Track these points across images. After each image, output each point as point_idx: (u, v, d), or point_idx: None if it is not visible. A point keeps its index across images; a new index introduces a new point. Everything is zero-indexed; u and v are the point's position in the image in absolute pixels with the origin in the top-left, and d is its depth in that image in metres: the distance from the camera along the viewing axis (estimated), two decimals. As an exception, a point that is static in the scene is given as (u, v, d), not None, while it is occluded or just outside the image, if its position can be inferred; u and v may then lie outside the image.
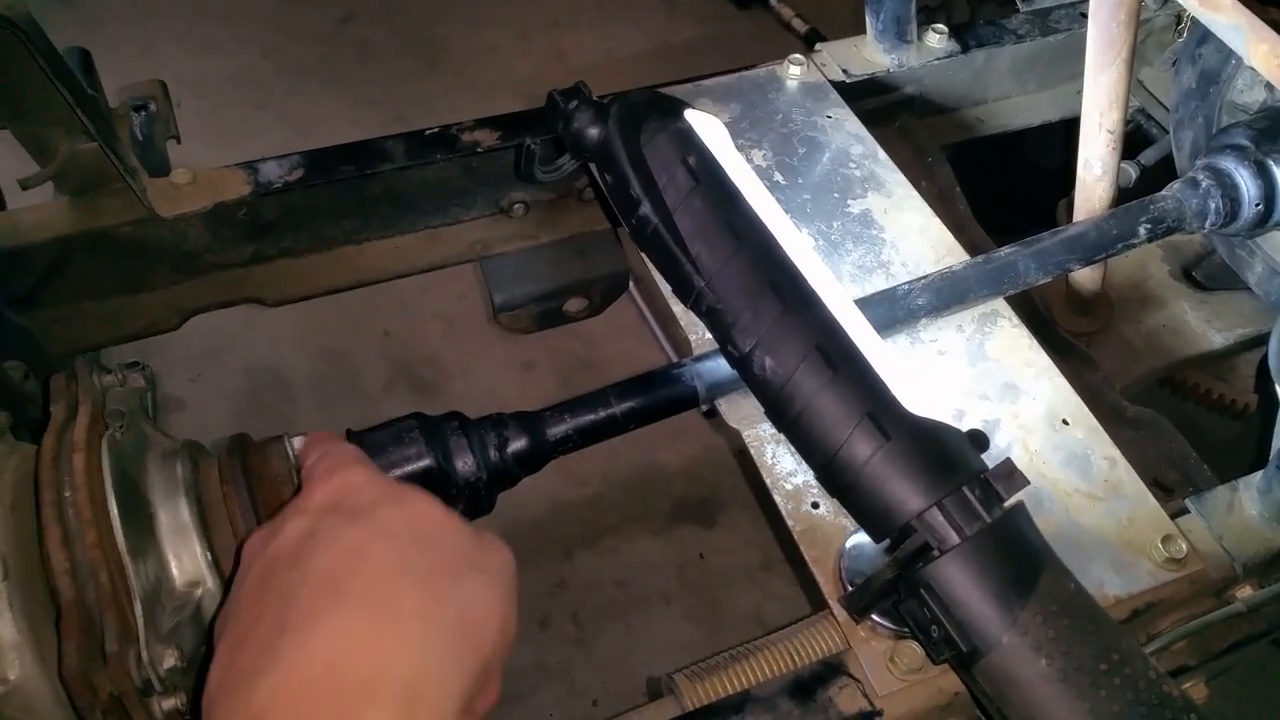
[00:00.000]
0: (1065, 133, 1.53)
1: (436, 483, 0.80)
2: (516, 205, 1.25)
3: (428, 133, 1.16)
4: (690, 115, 0.84)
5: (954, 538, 0.66)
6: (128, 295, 1.11)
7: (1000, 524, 0.67)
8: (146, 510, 0.75)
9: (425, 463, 0.80)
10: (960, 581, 0.66)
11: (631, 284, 1.38)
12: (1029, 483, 0.69)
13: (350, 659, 0.50)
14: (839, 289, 0.77)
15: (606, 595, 1.67)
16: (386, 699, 0.49)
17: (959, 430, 0.72)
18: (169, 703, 0.66)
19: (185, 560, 0.73)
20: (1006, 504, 0.69)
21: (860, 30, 1.32)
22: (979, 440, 0.73)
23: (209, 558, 0.74)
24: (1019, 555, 0.68)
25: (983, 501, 0.67)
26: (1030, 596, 0.66)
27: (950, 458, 0.69)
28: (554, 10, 2.88)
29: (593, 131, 0.84)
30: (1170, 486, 1.01)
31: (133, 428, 0.79)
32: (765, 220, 0.79)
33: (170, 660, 0.67)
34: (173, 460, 0.78)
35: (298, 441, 0.83)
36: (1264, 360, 1.29)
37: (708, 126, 0.83)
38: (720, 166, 0.81)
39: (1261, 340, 1.21)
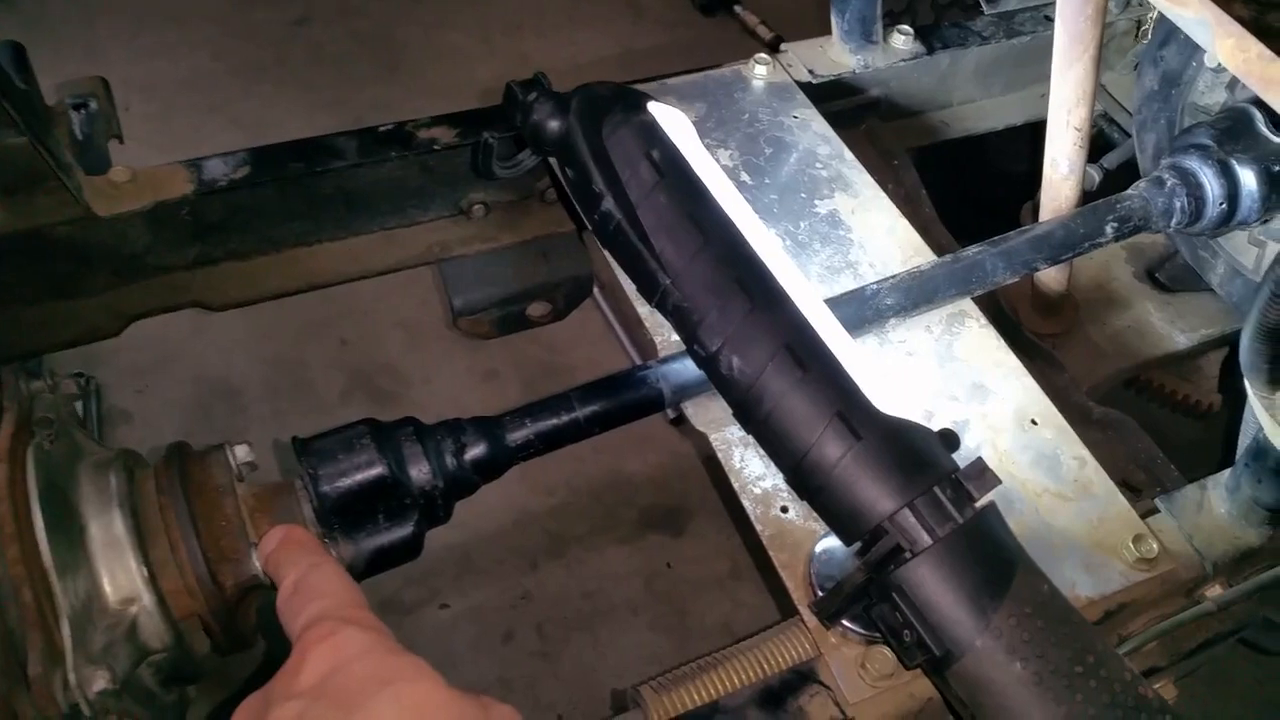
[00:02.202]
0: (1029, 136, 1.53)
1: (390, 491, 0.77)
2: (476, 206, 1.21)
3: (381, 129, 1.13)
4: (654, 108, 0.81)
5: (926, 539, 0.64)
6: (65, 299, 1.06)
7: (972, 525, 0.66)
8: (77, 523, 0.71)
9: (377, 471, 0.77)
10: (933, 584, 0.64)
11: (596, 288, 1.35)
12: (1000, 482, 0.67)
13: None
14: (808, 286, 0.75)
15: (573, 607, 1.63)
16: None
17: (930, 429, 0.70)
18: (99, 728, 0.62)
19: (119, 576, 0.70)
20: (978, 504, 0.67)
21: (825, 35, 1.31)
22: (950, 439, 0.71)
23: (145, 573, 0.70)
24: (991, 556, 0.66)
25: (954, 502, 0.66)
26: (1004, 598, 0.64)
27: (921, 458, 0.67)
28: (517, 14, 2.85)
29: (553, 124, 0.82)
30: (1138, 487, 1.00)
31: (63, 437, 0.75)
32: (732, 216, 0.77)
33: (101, 682, 0.63)
34: (106, 471, 0.74)
35: (240, 450, 0.80)
36: (1228, 360, 1.29)
37: (672, 120, 0.81)
38: (685, 160, 0.78)
39: (1224, 341, 1.21)
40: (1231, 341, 1.22)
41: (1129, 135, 1.41)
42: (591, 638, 1.60)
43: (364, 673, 0.53)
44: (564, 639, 1.59)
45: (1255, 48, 0.72)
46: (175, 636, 0.72)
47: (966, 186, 1.59)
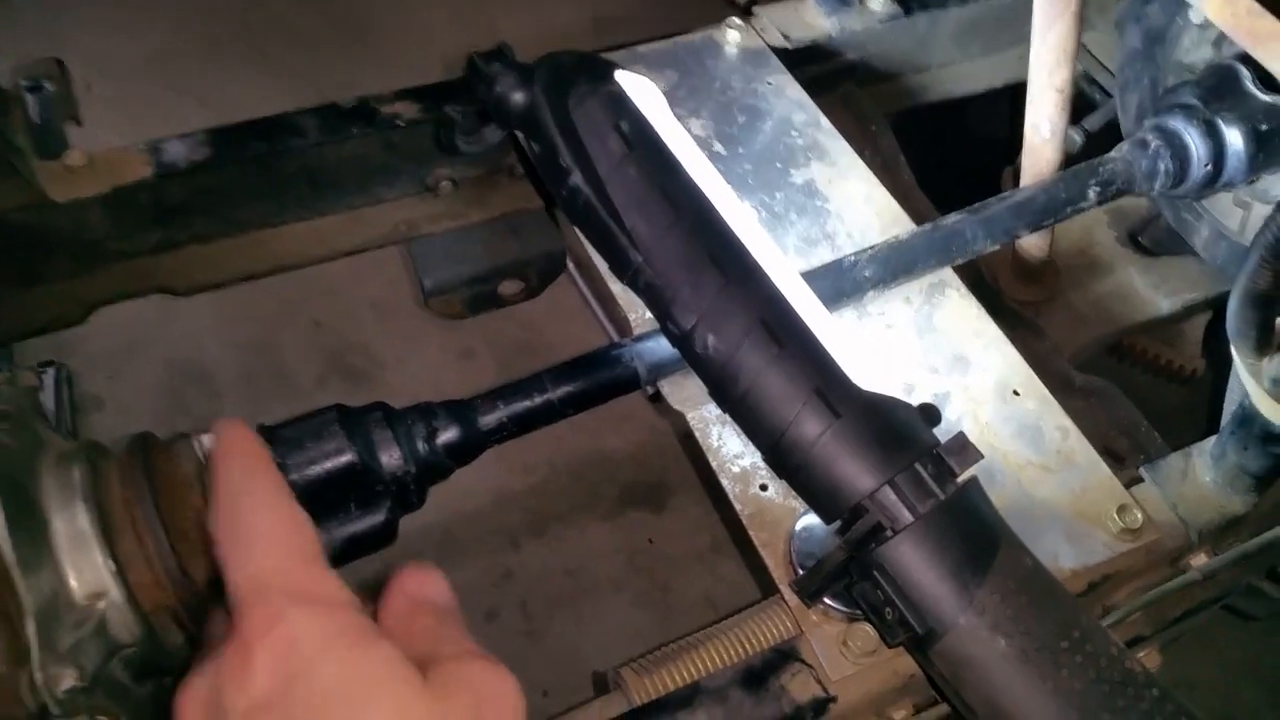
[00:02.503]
0: (1009, 99, 1.51)
1: (360, 479, 0.75)
2: (444, 182, 1.19)
3: (344, 106, 1.10)
4: (621, 77, 0.79)
5: (907, 516, 0.63)
6: (24, 288, 1.03)
7: (954, 501, 0.64)
8: (39, 519, 0.68)
9: (347, 458, 0.75)
10: (914, 561, 0.63)
11: (570, 264, 1.33)
12: (982, 456, 0.66)
13: None
14: (783, 260, 0.73)
15: (555, 584, 1.62)
16: None
17: (910, 405, 0.68)
18: (68, 727, 0.60)
19: (85, 571, 0.68)
20: (959, 479, 0.66)
21: None
22: (930, 414, 0.69)
23: (112, 567, 0.68)
24: (974, 532, 0.65)
25: (935, 478, 0.64)
26: (987, 574, 0.63)
27: (901, 433, 0.66)
28: (485, -17, 2.80)
29: (517, 96, 0.79)
30: (1121, 455, 0.99)
31: (23, 430, 0.72)
32: (704, 189, 0.75)
33: (69, 681, 0.61)
34: (69, 464, 0.72)
35: (206, 439, 0.78)
36: (1211, 325, 1.28)
37: (641, 89, 0.79)
38: (655, 132, 0.76)
39: (1208, 305, 1.20)
40: (1215, 306, 1.21)
41: (1110, 96, 1.39)
42: (575, 615, 1.59)
43: (329, 681, 0.46)
44: (548, 617, 1.58)
45: (1243, 2, 0.70)
46: (146, 630, 0.70)
47: (945, 151, 1.57)
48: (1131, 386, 1.13)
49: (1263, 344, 0.68)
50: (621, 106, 0.76)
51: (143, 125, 2.22)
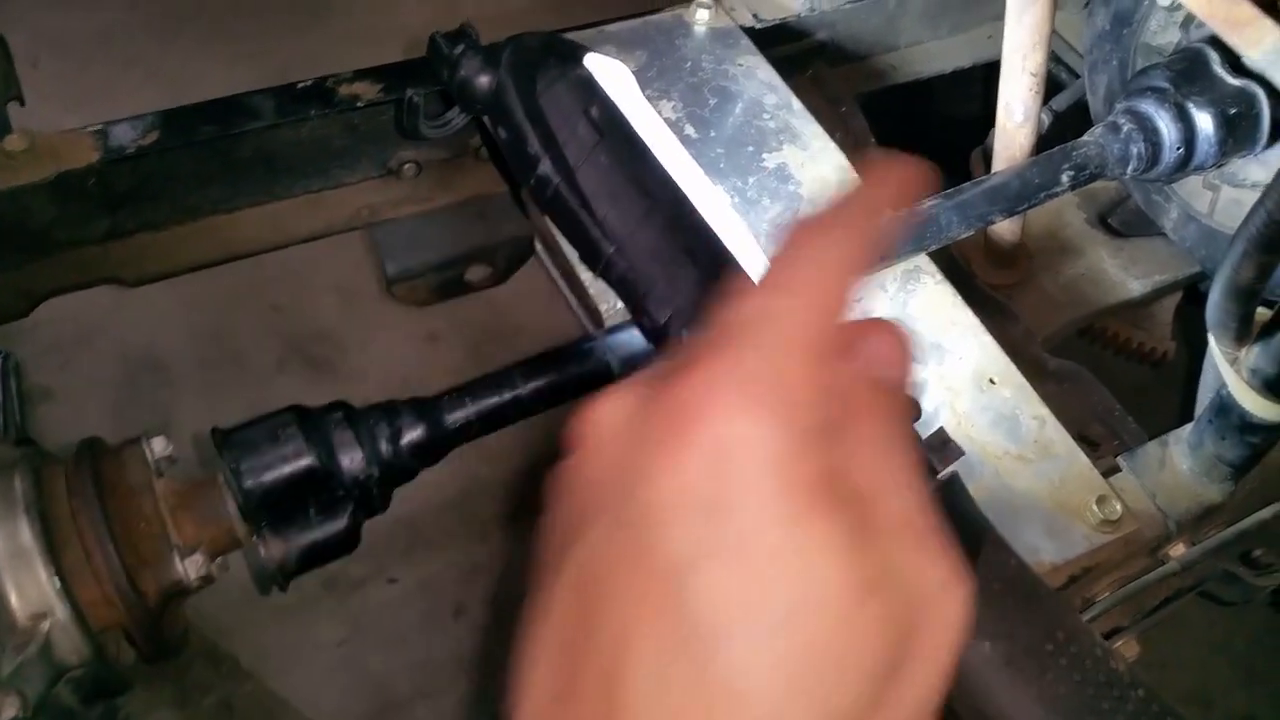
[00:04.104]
0: (978, 78, 1.50)
1: (320, 483, 0.72)
2: (407, 165, 1.15)
3: (300, 86, 1.05)
4: (591, 61, 0.76)
5: (889, 517, 0.62)
6: (-37, 279, 0.99)
7: (936, 499, 0.63)
8: (-23, 533, 0.65)
9: (305, 462, 0.72)
10: (897, 564, 0.61)
11: (538, 245, 1.30)
12: (964, 453, 0.65)
13: None
14: (760, 252, 0.71)
15: (526, 578, 1.59)
16: None
17: (891, 400, 0.66)
18: (6, 761, 0.57)
19: (28, 589, 0.64)
20: (941, 476, 0.65)
21: None
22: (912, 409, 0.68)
23: (57, 584, 0.65)
24: (956, 532, 0.63)
25: (918, 476, 0.63)
26: (970, 576, 0.62)
27: (883, 431, 0.64)
28: (445, -43, 2.73)
29: (483, 80, 0.76)
30: (1095, 440, 0.98)
31: (-41, 437, 0.69)
32: (677, 176, 0.73)
33: (11, 710, 0.58)
34: (9, 474, 0.68)
35: (157, 444, 0.74)
36: (1181, 307, 1.28)
37: (611, 73, 0.76)
38: (626, 118, 0.74)
39: (1178, 286, 1.19)
40: (1185, 287, 1.21)
41: (1078, 76, 1.38)
42: (546, 607, 1.57)
43: (750, 519, 0.32)
44: (516, 613, 1.56)
45: (1219, -13, 0.69)
46: (94, 650, 0.67)
47: (914, 132, 1.55)
48: (1102, 369, 1.12)
49: (1242, 335, 0.67)
50: (591, 91, 0.74)
51: (94, 103, 2.16)
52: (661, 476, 0.33)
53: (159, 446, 0.74)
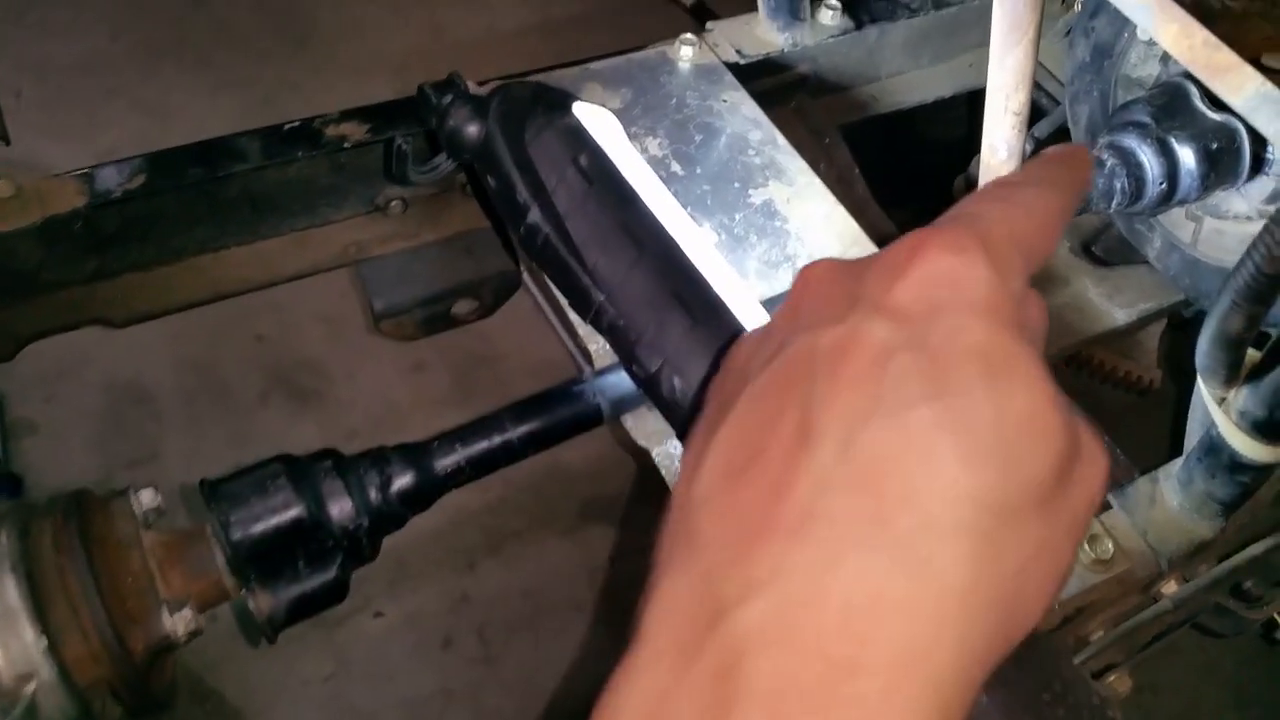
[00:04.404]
0: (959, 105, 1.51)
1: (309, 534, 0.72)
2: (394, 202, 1.15)
3: (287, 127, 1.05)
4: (579, 109, 0.76)
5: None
6: (-53, 324, 0.98)
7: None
8: (-37, 594, 0.64)
9: (294, 513, 0.72)
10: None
11: (526, 278, 1.30)
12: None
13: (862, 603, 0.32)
14: (751, 299, 0.71)
15: (513, 607, 1.59)
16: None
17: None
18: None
19: (14, 649, 0.64)
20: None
21: (748, 2, 1.26)
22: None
23: (44, 643, 0.64)
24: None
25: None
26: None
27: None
28: (430, -20, 2.74)
29: (471, 129, 0.76)
30: (1085, 474, 0.99)
31: (-55, 493, 0.68)
32: (667, 223, 0.73)
33: (-4, 775, 0.57)
34: (-5, 529, 0.68)
35: (146, 495, 0.74)
36: (1164, 336, 1.29)
37: (599, 121, 0.76)
38: (614, 165, 0.74)
39: (1163, 314, 1.20)
40: (1170, 315, 1.22)
41: (1058, 103, 1.39)
42: (534, 639, 1.56)
43: (968, 341, 0.34)
44: (505, 643, 1.55)
45: (1200, 34, 0.69)
46: (81, 709, 0.66)
47: (896, 159, 1.56)
48: (1089, 398, 1.13)
49: (1231, 378, 0.67)
50: (580, 140, 0.74)
51: (76, 132, 2.16)
52: (880, 294, 0.36)
53: (147, 498, 0.73)
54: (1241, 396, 0.68)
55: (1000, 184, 0.44)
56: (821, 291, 0.39)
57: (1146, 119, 0.96)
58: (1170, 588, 0.79)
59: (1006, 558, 0.33)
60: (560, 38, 2.66)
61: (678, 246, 0.72)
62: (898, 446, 0.33)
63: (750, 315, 0.71)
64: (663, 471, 0.85)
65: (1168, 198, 0.97)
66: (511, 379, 1.91)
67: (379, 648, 1.54)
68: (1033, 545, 0.34)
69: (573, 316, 0.93)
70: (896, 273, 0.36)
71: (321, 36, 2.57)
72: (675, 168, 1.07)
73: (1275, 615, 0.80)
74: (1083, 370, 1.29)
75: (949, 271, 0.36)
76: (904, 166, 1.51)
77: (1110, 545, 0.79)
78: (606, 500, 1.75)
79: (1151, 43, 1.04)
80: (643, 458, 0.88)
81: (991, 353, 0.34)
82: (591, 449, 1.78)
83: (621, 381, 0.84)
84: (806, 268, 0.42)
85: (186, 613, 0.69)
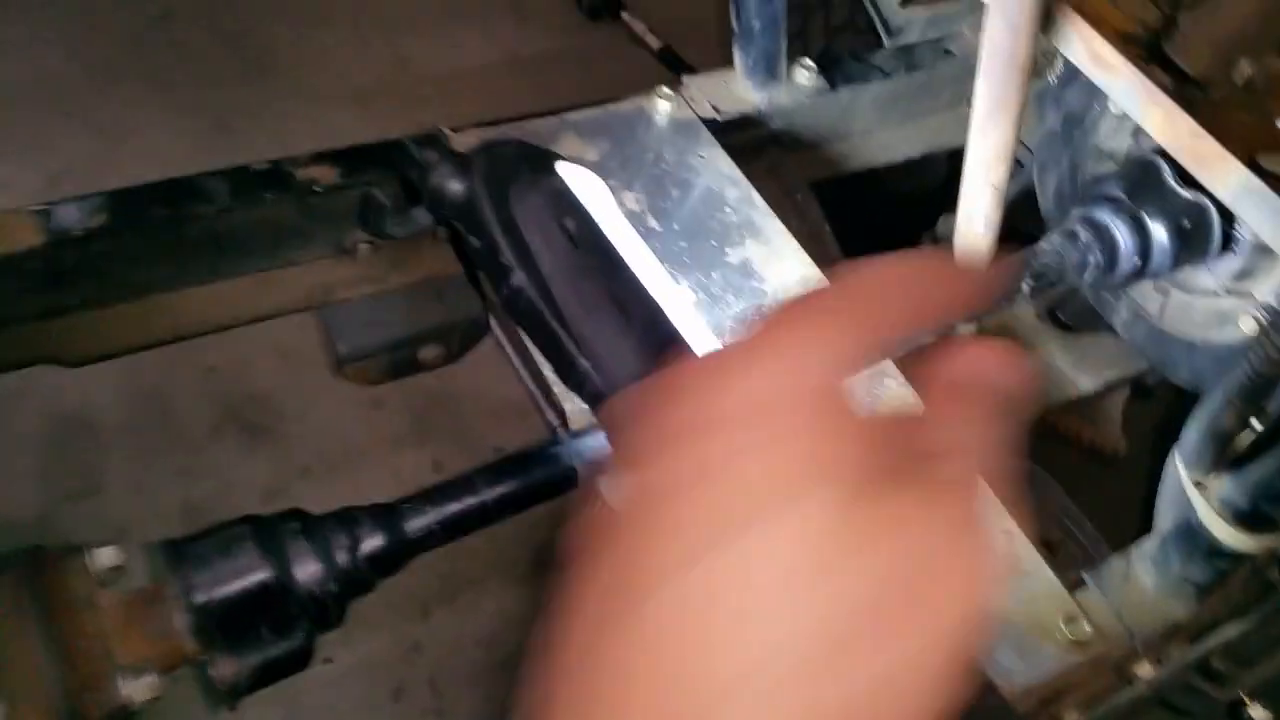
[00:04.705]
0: (928, 165, 1.53)
1: (274, 599, 0.69)
2: (362, 245, 1.12)
3: (255, 168, 1.02)
4: (563, 169, 0.75)
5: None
6: (-113, 361, 0.93)
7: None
8: (-91, 659, 0.61)
9: (260, 576, 0.69)
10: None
11: (494, 325, 1.28)
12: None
13: None
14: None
15: (467, 657, 1.55)
16: None
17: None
18: None
19: (-36, 719, 0.60)
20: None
21: (713, 47, 1.27)
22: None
23: (3, 711, 0.61)
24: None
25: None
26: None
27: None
28: (394, 12, 2.72)
29: (455, 187, 0.75)
30: (1054, 544, 0.99)
31: (-114, 551, 0.64)
32: (651, 288, 0.72)
33: None
34: (-57, 592, 0.64)
35: (104, 554, 0.70)
36: (1128, 403, 1.31)
37: (583, 182, 0.75)
38: (600, 229, 0.73)
39: (1127, 381, 1.22)
40: (1134, 383, 1.23)
41: (1021, 165, 1.42)
42: (487, 691, 1.53)
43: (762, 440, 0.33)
44: (458, 694, 1.51)
45: (1185, 122, 0.71)
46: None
47: (865, 216, 1.57)
48: (1052, 464, 1.14)
49: (1215, 468, 0.68)
50: (564, 201, 0.73)
51: (30, 152, 2.09)
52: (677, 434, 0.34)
53: (105, 557, 0.70)
54: (1224, 485, 0.68)
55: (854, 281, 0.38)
56: (640, 429, 0.36)
57: (1120, 194, 0.98)
58: (1144, 669, 0.79)
59: (831, 699, 0.31)
60: (527, 76, 2.66)
61: (663, 313, 0.71)
62: (694, 607, 0.31)
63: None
64: (638, 539, 0.83)
65: (1140, 272, 0.99)
66: (471, 419, 1.89)
67: (329, 696, 1.50)
68: (871, 677, 0.31)
69: (549, 373, 0.92)
70: (698, 402, 0.34)
71: (282, 63, 2.53)
72: (652, 223, 1.06)
73: (1243, 696, 0.80)
74: (1046, 437, 1.30)
75: (755, 395, 0.33)
76: (873, 223, 1.52)
77: (1087, 627, 0.79)
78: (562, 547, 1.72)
79: (1123, 116, 1.06)
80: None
81: (775, 486, 0.32)
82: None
83: (598, 443, 0.82)
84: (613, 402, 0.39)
85: (145, 679, 0.66)
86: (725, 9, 1.25)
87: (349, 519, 0.74)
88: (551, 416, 0.93)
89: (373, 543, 0.74)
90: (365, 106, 2.40)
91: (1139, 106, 0.72)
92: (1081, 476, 1.29)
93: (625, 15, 2.76)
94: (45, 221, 0.93)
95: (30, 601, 0.65)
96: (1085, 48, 0.71)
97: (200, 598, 0.67)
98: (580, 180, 0.74)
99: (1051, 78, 1.12)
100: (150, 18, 2.54)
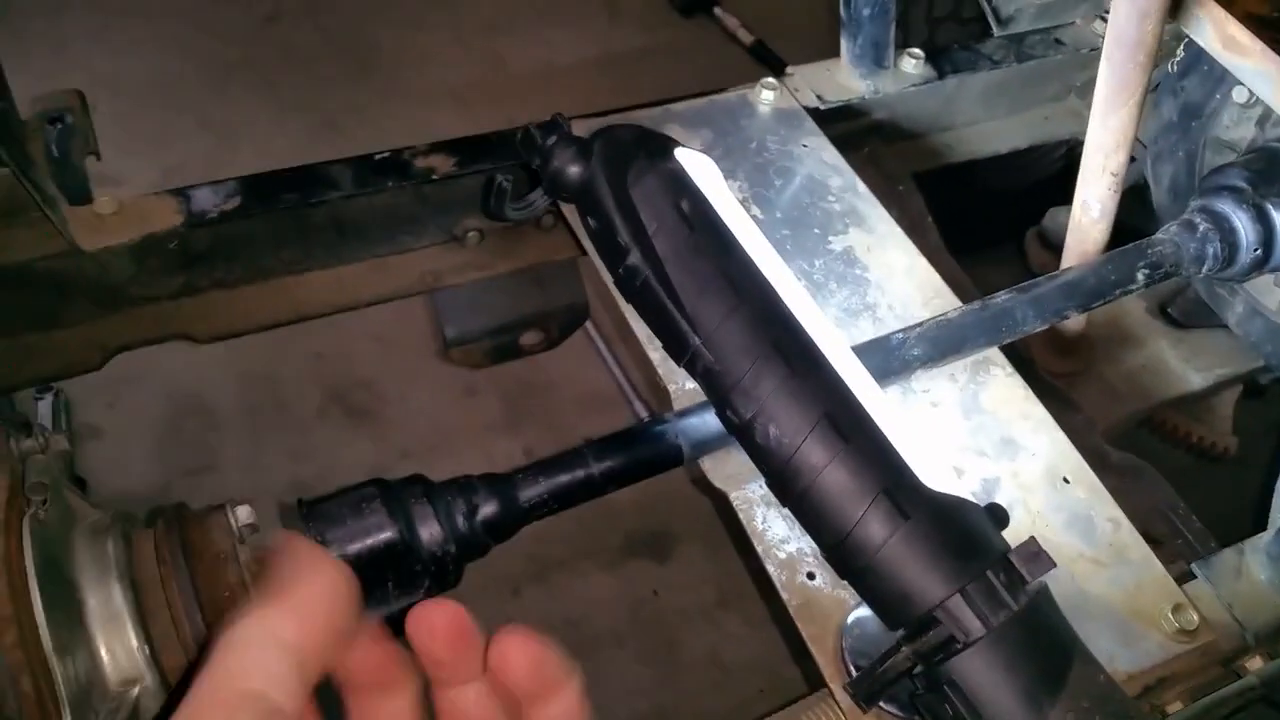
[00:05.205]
0: (1033, 159, 1.51)
1: (400, 557, 0.72)
2: (471, 233, 1.16)
3: (378, 157, 1.07)
4: (681, 154, 0.77)
5: (979, 628, 0.61)
6: (42, 332, 1.00)
7: (1027, 612, 0.62)
8: (74, 597, 0.66)
9: (388, 535, 0.72)
10: (986, 677, 0.61)
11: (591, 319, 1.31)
12: (1055, 564, 0.64)
13: None
14: (846, 348, 0.71)
15: (556, 635, 1.57)
16: None
17: (979, 506, 0.66)
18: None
19: (119, 654, 0.65)
20: (1029, 587, 0.64)
21: (808, 42, 1.27)
22: (999, 516, 0.67)
23: (146, 651, 0.65)
24: (1047, 645, 0.62)
25: (1008, 587, 0.62)
26: (1060, 692, 0.61)
27: (973, 539, 0.63)
28: (491, 13, 2.78)
29: (574, 170, 0.77)
30: (1159, 539, 0.98)
31: (56, 501, 0.69)
32: (765, 271, 0.73)
33: (97, 775, 0.58)
34: (103, 538, 0.69)
35: (242, 512, 0.75)
36: (1239, 403, 1.27)
37: (700, 167, 0.77)
38: (715, 212, 0.74)
39: (1239, 380, 1.19)
40: (1246, 381, 1.20)
41: (1133, 159, 1.39)
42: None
43: None
44: None
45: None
46: None
47: (967, 208, 1.56)
48: (1162, 460, 1.11)
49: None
50: (681, 185, 0.74)
51: (147, 144, 2.20)
52: None
53: (243, 514, 0.74)
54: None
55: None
56: None
57: (1242, 184, 0.96)
58: (1255, 663, 0.78)
59: None
60: (620, 72, 2.69)
61: (776, 295, 0.72)
62: None
63: (850, 371, 0.71)
64: (740, 515, 0.85)
65: (1261, 264, 0.97)
66: (561, 408, 1.92)
67: None
68: None
69: (653, 354, 0.94)
70: None
71: (385, 63, 2.61)
72: (755, 211, 1.08)
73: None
74: (1155, 434, 1.27)
75: None
76: (975, 215, 1.51)
77: (1195, 616, 0.78)
78: (651, 533, 1.74)
79: (1247, 105, 1.04)
80: (720, 500, 0.88)
81: None
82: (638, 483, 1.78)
83: (703, 423, 0.84)
84: None
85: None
86: (817, 6, 1.26)
87: (467, 486, 0.77)
88: (639, 408, 0.96)
89: (488, 509, 0.77)
90: (463, 105, 2.46)
91: (1273, 89, 0.71)
92: (1191, 475, 1.26)
93: (718, 11, 2.77)
94: (185, 204, 0.98)
95: (179, 554, 0.70)
96: (1216, 30, 0.70)
97: (334, 552, 0.71)
98: (697, 165, 0.76)
99: (1170, 67, 1.10)
100: (259, 19, 2.65)
